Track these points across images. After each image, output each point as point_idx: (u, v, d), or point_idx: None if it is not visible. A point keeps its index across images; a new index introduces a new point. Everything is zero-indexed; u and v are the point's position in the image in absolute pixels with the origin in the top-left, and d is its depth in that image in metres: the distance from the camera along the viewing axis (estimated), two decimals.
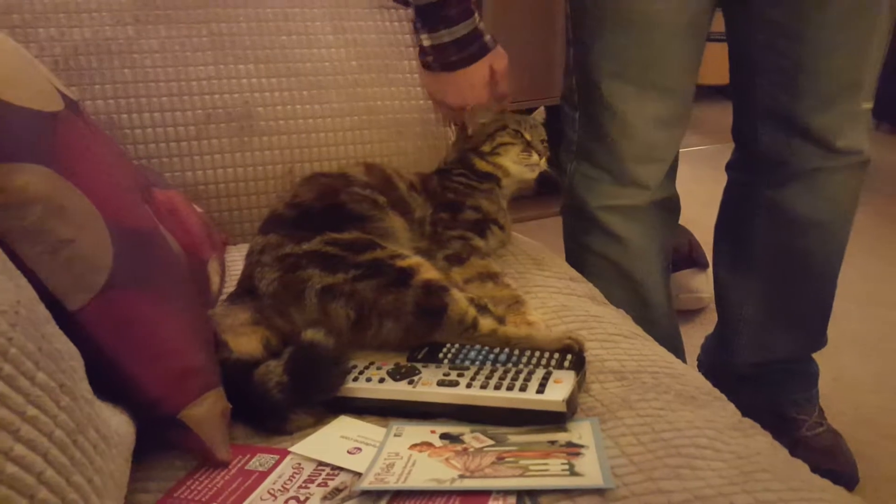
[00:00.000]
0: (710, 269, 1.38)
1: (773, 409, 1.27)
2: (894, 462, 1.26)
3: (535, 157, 0.98)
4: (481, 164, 0.99)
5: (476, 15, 1.01)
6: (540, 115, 1.07)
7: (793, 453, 0.64)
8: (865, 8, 1.02)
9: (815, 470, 0.61)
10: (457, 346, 0.73)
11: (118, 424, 0.54)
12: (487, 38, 1.03)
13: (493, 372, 0.66)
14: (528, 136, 0.98)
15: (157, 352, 0.58)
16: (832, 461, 1.20)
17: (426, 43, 1.03)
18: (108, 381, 0.55)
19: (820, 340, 1.27)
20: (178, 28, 1.03)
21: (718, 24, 1.12)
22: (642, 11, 1.02)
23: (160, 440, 0.60)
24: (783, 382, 1.28)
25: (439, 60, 1.03)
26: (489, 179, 1.00)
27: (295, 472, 0.58)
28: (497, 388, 0.63)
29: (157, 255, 0.64)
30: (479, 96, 1.04)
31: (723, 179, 1.28)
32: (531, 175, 1.00)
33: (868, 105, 1.11)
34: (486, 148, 0.98)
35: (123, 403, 0.57)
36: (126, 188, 0.66)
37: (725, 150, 1.28)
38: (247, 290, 0.79)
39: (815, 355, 1.30)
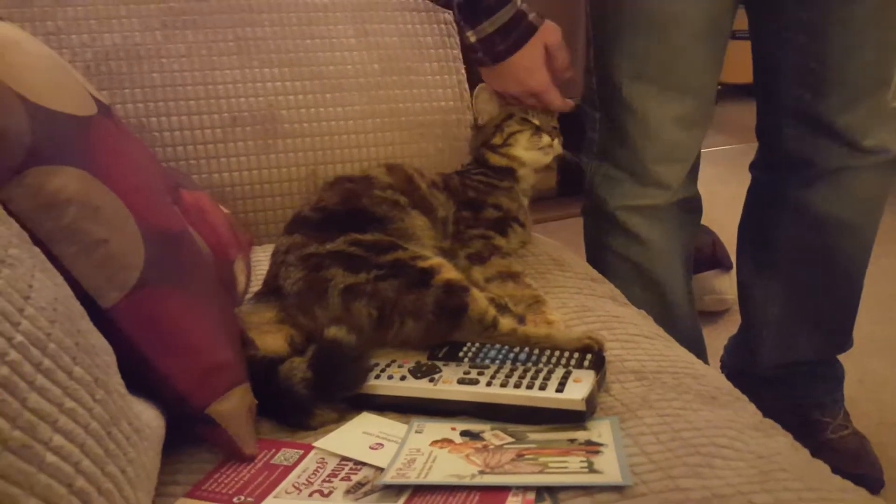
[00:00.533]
0: (734, 271, 1.37)
1: (797, 412, 1.26)
2: None
3: (546, 139, 0.98)
4: (495, 159, 1.00)
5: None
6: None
7: (817, 456, 0.64)
8: (892, 4, 1.01)
9: (840, 473, 0.61)
10: (477, 344, 0.74)
11: (149, 418, 0.55)
12: (532, 16, 0.99)
13: (512, 371, 0.67)
14: (536, 121, 0.98)
15: (185, 348, 0.60)
16: (858, 465, 1.19)
17: (472, 39, 0.99)
18: (139, 376, 0.57)
19: (845, 342, 1.26)
20: (204, 33, 1.05)
21: (742, 21, 1.11)
22: (663, 11, 1.02)
23: (189, 434, 0.62)
24: (808, 384, 1.27)
25: (488, 54, 0.99)
26: (507, 175, 1.00)
27: (319, 467, 0.59)
28: (517, 386, 0.64)
29: (186, 255, 0.66)
30: (539, 79, 0.99)
31: (747, 179, 1.27)
32: (546, 159, 1.00)
33: None
34: (498, 140, 0.99)
35: (154, 398, 0.58)
36: (156, 190, 0.68)
37: (749, 150, 1.27)
38: (272, 289, 0.80)
39: (840, 357, 1.28)
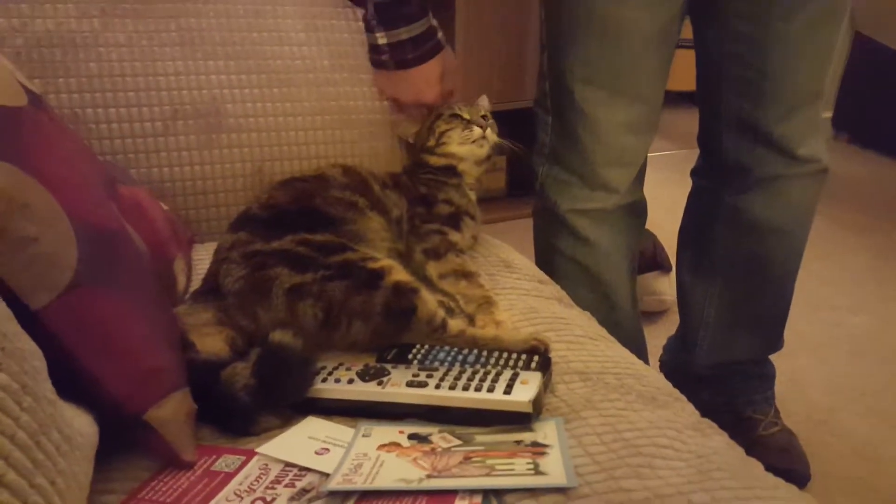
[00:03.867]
0: (674, 273, 1.41)
1: (731, 409, 1.30)
2: (843, 460, 1.31)
3: (477, 131, 0.99)
4: (434, 160, 1.01)
5: (430, 13, 1.02)
6: (483, 101, 1.08)
7: (749, 452, 0.66)
8: (828, 20, 1.06)
9: (770, 468, 0.64)
10: (426, 346, 0.73)
11: (81, 425, 0.53)
12: (440, 35, 1.04)
13: (461, 373, 0.67)
14: (465, 115, 1.00)
15: (121, 352, 0.58)
16: (786, 460, 1.24)
17: (382, 41, 1.02)
18: (71, 381, 0.54)
19: (777, 343, 1.31)
20: (145, 22, 1.01)
21: (686, 31, 1.14)
22: (615, 19, 1.04)
23: (124, 441, 0.59)
24: (742, 383, 1.32)
25: (395, 58, 1.03)
26: (450, 173, 1.01)
27: (262, 473, 0.58)
28: (465, 388, 0.64)
29: (122, 254, 0.63)
30: (433, 93, 1.05)
31: (687, 184, 1.31)
32: (482, 151, 1.01)
33: (827, 114, 1.15)
34: (432, 142, 1.00)
35: (87, 404, 0.56)
36: (91, 185, 0.66)
37: (690, 156, 1.30)
38: (211, 288, 0.78)
39: (771, 357, 1.33)
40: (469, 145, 0.99)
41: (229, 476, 0.57)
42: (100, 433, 0.56)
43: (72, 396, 0.54)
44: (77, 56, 0.97)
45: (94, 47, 0.98)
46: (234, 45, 1.05)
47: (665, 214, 1.52)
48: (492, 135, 1.00)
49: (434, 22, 1.02)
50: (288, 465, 0.59)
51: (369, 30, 1.03)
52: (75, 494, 0.48)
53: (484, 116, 1.02)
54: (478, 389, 0.64)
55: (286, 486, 0.56)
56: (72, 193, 0.59)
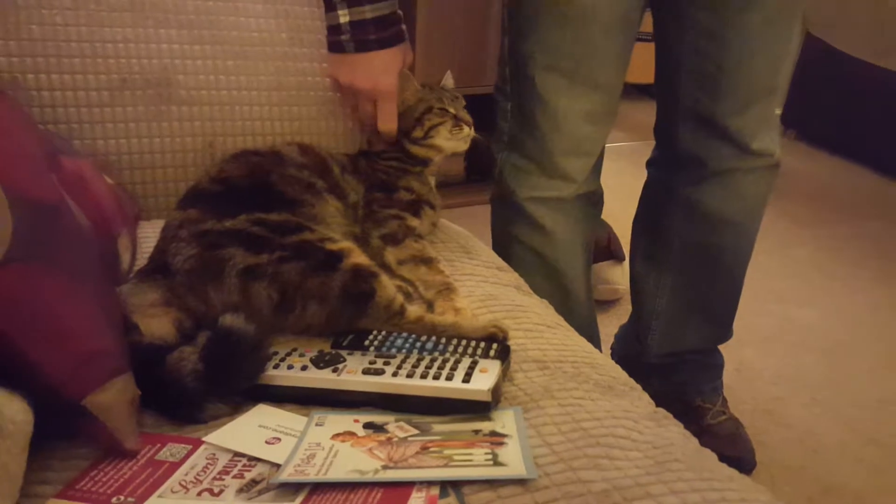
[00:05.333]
0: (627, 262, 1.42)
1: (680, 398, 1.33)
2: (788, 448, 1.35)
3: (465, 130, 0.97)
4: (416, 150, 0.97)
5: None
6: (449, 80, 1.05)
7: (699, 439, 0.67)
8: (784, 17, 1.07)
9: (718, 456, 0.64)
10: (383, 333, 0.72)
11: (13, 412, 0.50)
12: (403, 26, 0.99)
13: (419, 360, 0.65)
14: (452, 110, 0.97)
15: (59, 333, 0.55)
16: (733, 448, 1.27)
17: (343, 20, 0.95)
18: (4, 364, 0.51)
19: (726, 333, 1.34)
20: None
21: (646, 24, 1.15)
22: (577, 5, 1.03)
23: (62, 428, 0.56)
24: (691, 373, 1.34)
25: (356, 38, 0.96)
26: (417, 161, 0.98)
27: (209, 463, 0.55)
28: (423, 377, 0.63)
29: (61, 229, 0.60)
30: (389, 83, 0.97)
31: (642, 175, 1.32)
32: (464, 146, 0.99)
33: (779, 110, 1.17)
34: (419, 133, 0.97)
35: (21, 389, 0.52)
36: (29, 156, 0.61)
37: (645, 147, 1.31)
38: (158, 266, 0.74)
39: (720, 347, 1.36)
40: (455, 141, 0.97)
41: (174, 466, 0.55)
42: (35, 420, 0.53)
43: (4, 381, 0.51)
44: (18, 17, 0.91)
45: (36, 9, 0.92)
46: (188, 13, 1.00)
47: (620, 204, 1.54)
48: (471, 130, 0.98)
49: (399, 11, 0.97)
50: (237, 454, 0.56)
51: (330, 8, 0.97)
52: (5, 486, 0.45)
53: (464, 110, 0.99)
54: (436, 377, 0.63)
55: (235, 476, 0.54)
56: (7, 163, 0.55)
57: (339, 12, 0.95)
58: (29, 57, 0.92)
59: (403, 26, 0.98)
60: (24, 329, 0.53)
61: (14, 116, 0.64)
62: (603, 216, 1.34)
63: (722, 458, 0.64)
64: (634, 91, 2.71)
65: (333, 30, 0.97)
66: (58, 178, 0.66)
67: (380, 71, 0.96)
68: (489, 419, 0.62)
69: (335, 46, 0.98)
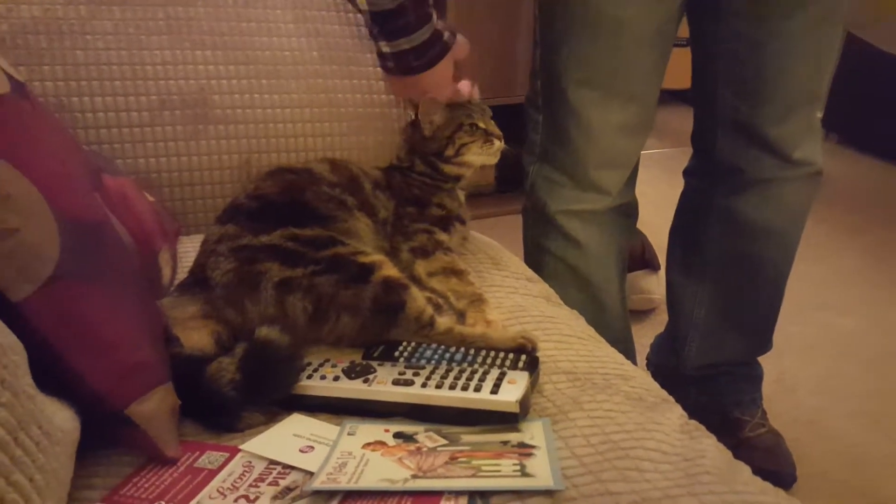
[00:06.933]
0: (662, 271, 1.41)
1: (718, 410, 1.30)
2: (830, 461, 1.31)
3: (496, 144, 0.97)
4: (448, 169, 0.98)
5: (434, 16, 0.98)
6: (474, 91, 1.05)
7: (736, 452, 0.66)
8: (825, 22, 1.05)
9: (756, 469, 0.63)
10: (413, 344, 0.73)
11: (62, 420, 0.52)
12: (446, 35, 0.99)
13: (448, 372, 0.66)
14: (482, 125, 0.98)
15: (104, 345, 0.57)
16: (773, 461, 1.24)
17: (385, 49, 0.99)
18: (52, 375, 0.53)
19: (766, 344, 1.31)
20: (132, 10, 0.99)
21: (682, 30, 1.14)
22: (611, 18, 1.02)
23: (106, 436, 0.58)
24: (729, 384, 1.32)
25: (400, 67, 1.00)
26: (450, 179, 0.99)
27: (245, 471, 0.57)
28: (452, 388, 0.64)
29: (106, 246, 0.62)
30: (444, 93, 1.01)
31: (678, 183, 1.30)
32: (494, 160, 1.00)
33: (819, 114, 1.15)
34: (450, 152, 0.97)
35: (68, 398, 0.55)
36: (75, 176, 0.64)
37: (682, 155, 1.30)
38: (197, 280, 0.77)
39: (759, 358, 1.34)
40: (486, 155, 0.98)
41: (212, 473, 0.57)
42: (81, 428, 0.55)
43: (53, 391, 0.53)
44: (63, 43, 0.95)
45: (80, 35, 0.96)
46: (223, 35, 1.03)
47: (655, 213, 1.52)
48: (501, 143, 0.99)
49: (439, 24, 0.98)
50: (272, 462, 0.58)
51: (372, 37, 1.00)
52: (55, 491, 0.47)
53: (493, 122, 1.00)
54: (464, 389, 0.63)
55: (270, 484, 0.56)
56: (55, 184, 0.58)
57: (381, 43, 0.99)
58: (73, 81, 0.96)
59: (446, 35, 0.98)
60: (70, 341, 0.55)
61: (60, 139, 0.68)
62: (638, 225, 1.33)
63: (761, 472, 0.63)
64: (670, 97, 2.69)
65: (380, 55, 1.02)
66: (101, 196, 0.68)
67: (432, 87, 1.00)
68: (518, 430, 0.62)
69: (385, 68, 1.03)
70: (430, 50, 0.97)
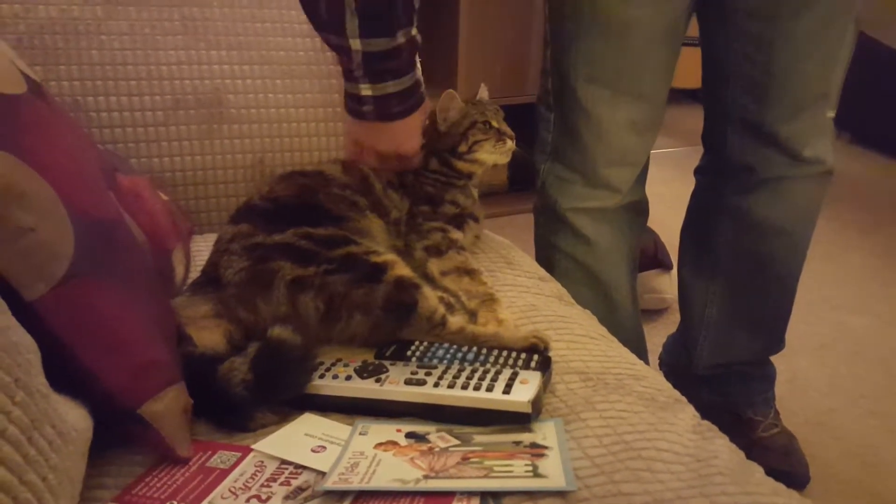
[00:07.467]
0: (675, 271, 1.40)
1: (731, 410, 1.30)
2: (843, 462, 1.30)
3: (508, 143, 0.97)
4: (461, 165, 0.98)
5: (417, 66, 0.91)
6: (483, 93, 1.05)
7: (749, 453, 0.66)
8: (836, 20, 1.05)
9: (769, 470, 0.63)
10: (425, 343, 0.73)
11: (75, 419, 0.52)
12: (423, 88, 0.94)
13: (460, 371, 0.66)
14: (495, 124, 0.98)
15: (117, 344, 0.57)
16: (786, 462, 1.23)
17: (366, 93, 0.89)
18: (66, 373, 0.54)
19: (779, 343, 1.30)
20: (148, 10, 1.00)
21: (692, 28, 1.13)
22: (620, 17, 1.02)
23: (119, 435, 0.59)
24: (742, 384, 1.31)
25: (380, 111, 0.91)
26: (463, 176, 1.00)
27: (257, 470, 0.57)
28: (464, 387, 0.63)
29: (119, 245, 0.63)
30: (413, 145, 0.95)
31: (690, 181, 1.30)
32: (505, 159, 1.00)
33: (832, 114, 1.14)
34: (463, 148, 0.97)
35: (81, 397, 0.55)
36: (90, 175, 0.65)
37: (693, 153, 1.29)
38: (210, 279, 0.77)
39: (771, 357, 1.33)
40: (497, 155, 0.98)
41: (225, 473, 0.57)
42: (94, 427, 0.55)
43: (66, 389, 0.54)
44: (79, 44, 0.96)
45: (96, 35, 0.97)
46: (237, 35, 1.04)
47: (667, 212, 1.52)
48: (513, 143, 0.99)
49: (420, 75, 0.92)
50: (284, 462, 0.58)
51: (351, 80, 0.89)
52: (67, 490, 0.47)
53: (505, 122, 1.00)
54: (476, 388, 0.63)
55: (282, 484, 0.56)
56: (70, 183, 0.58)
57: (361, 85, 0.89)
58: (89, 80, 0.97)
59: (423, 89, 0.94)
60: (84, 340, 0.55)
61: (75, 138, 0.68)
62: (650, 224, 1.33)
63: (774, 473, 0.63)
64: (681, 96, 2.68)
65: (355, 99, 0.91)
66: (116, 195, 0.69)
67: (404, 137, 0.94)
68: (530, 430, 0.62)
69: (356, 113, 0.92)
70: (412, 97, 0.92)
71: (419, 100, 0.93)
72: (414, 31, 0.87)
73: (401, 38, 0.85)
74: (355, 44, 0.84)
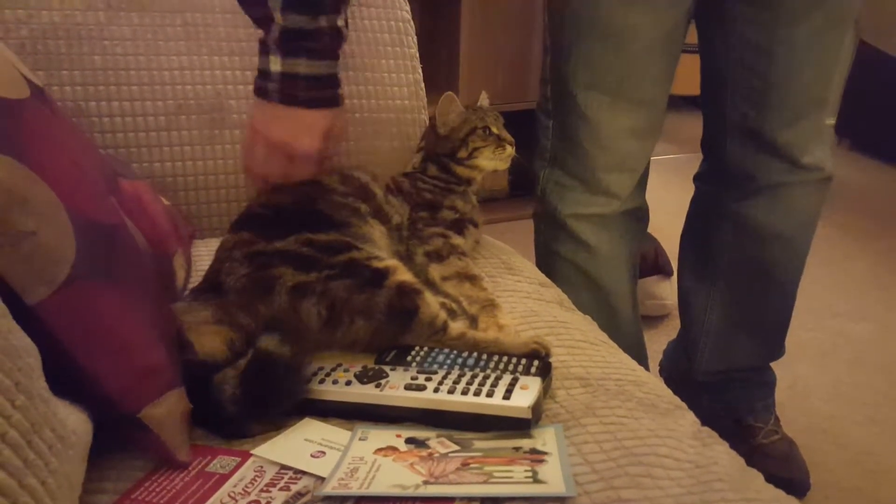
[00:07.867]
0: (675, 277, 1.40)
1: (731, 416, 1.30)
2: (844, 469, 1.30)
3: (508, 150, 0.98)
4: (461, 171, 0.99)
5: (339, 60, 0.88)
6: (484, 100, 1.05)
7: (749, 459, 0.66)
8: (834, 27, 1.05)
9: (769, 477, 0.63)
10: (425, 349, 0.73)
11: (75, 423, 0.52)
12: (343, 90, 0.90)
13: (460, 377, 0.66)
14: (496, 130, 0.98)
15: (118, 348, 0.57)
16: (786, 468, 1.23)
17: (274, 67, 0.85)
18: (66, 377, 0.54)
19: (779, 350, 1.31)
20: (151, 16, 1.01)
21: (691, 35, 1.14)
22: (619, 24, 1.03)
23: (118, 439, 0.59)
24: (742, 390, 1.31)
25: (284, 91, 0.85)
26: (462, 181, 1.00)
27: (256, 476, 0.57)
28: (464, 393, 0.63)
29: (121, 249, 0.63)
30: (310, 144, 0.87)
31: (690, 188, 1.30)
32: (505, 165, 1.00)
33: (831, 121, 1.14)
34: (463, 154, 0.98)
35: (81, 401, 0.55)
36: (92, 179, 0.65)
37: (693, 160, 1.30)
38: (212, 285, 0.77)
39: (772, 364, 1.33)
40: (497, 161, 0.98)
41: (224, 478, 0.57)
42: (94, 431, 0.55)
43: (66, 393, 0.54)
44: (81, 49, 0.96)
45: (98, 40, 0.97)
46: (240, 40, 1.04)
47: (667, 218, 1.52)
48: (512, 149, 0.99)
49: (341, 75, 0.88)
50: (283, 467, 0.58)
51: (263, 51, 0.86)
52: (67, 494, 0.47)
53: (504, 129, 1.00)
54: (476, 394, 0.63)
55: (281, 489, 0.56)
56: (71, 187, 0.59)
57: (272, 58, 0.85)
58: (91, 85, 0.97)
59: (342, 91, 0.90)
60: (85, 344, 0.55)
61: (77, 143, 0.68)
62: (650, 230, 1.33)
63: (774, 480, 0.63)
64: (681, 103, 2.68)
65: (263, 74, 0.87)
66: (117, 199, 0.69)
67: (302, 130, 0.87)
68: (530, 436, 0.62)
69: (261, 91, 0.87)
70: (322, 91, 0.87)
71: (331, 98, 0.88)
72: (340, 22, 0.85)
73: (323, 22, 0.83)
74: (277, 16, 0.82)
